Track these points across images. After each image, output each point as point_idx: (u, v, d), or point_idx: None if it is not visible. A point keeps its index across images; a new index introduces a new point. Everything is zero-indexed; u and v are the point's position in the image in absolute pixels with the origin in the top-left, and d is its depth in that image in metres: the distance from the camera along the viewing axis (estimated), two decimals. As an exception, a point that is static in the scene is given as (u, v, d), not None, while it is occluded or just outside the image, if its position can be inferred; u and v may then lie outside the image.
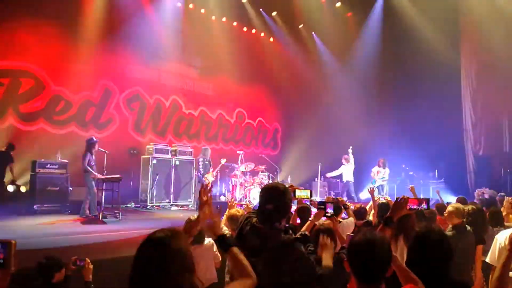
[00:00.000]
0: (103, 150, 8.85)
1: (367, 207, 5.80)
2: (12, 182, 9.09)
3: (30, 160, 9.10)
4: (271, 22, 15.10)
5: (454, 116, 13.40)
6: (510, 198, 5.72)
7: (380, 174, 12.41)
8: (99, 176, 8.59)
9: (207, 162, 10.86)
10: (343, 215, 5.27)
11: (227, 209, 4.48)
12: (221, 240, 2.07)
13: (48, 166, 9.07)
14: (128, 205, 10.60)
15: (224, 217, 4.31)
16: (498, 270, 2.19)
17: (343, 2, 15.08)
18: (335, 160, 13.27)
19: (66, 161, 9.39)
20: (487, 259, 3.41)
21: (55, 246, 5.42)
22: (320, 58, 15.96)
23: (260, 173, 11.69)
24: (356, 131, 14.21)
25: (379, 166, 12.48)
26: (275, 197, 2.61)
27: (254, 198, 10.51)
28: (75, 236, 6.42)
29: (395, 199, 2.97)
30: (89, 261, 3.47)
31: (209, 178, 10.78)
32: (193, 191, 11.51)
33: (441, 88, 13.48)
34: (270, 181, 10.79)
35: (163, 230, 1.78)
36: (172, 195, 11.17)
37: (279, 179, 12.49)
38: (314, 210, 3.92)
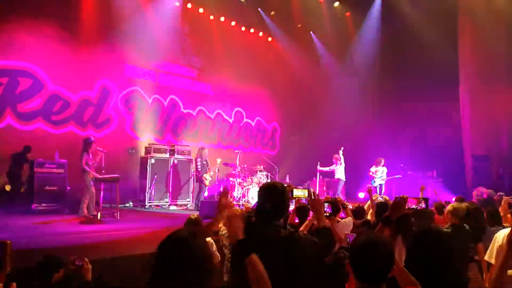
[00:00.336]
0: (100, 149, 8.84)
1: (365, 207, 5.82)
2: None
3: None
4: (269, 21, 15.10)
5: (453, 115, 13.42)
6: (508, 197, 5.74)
7: (378, 173, 12.44)
8: (97, 175, 8.58)
9: (204, 162, 10.86)
10: (342, 214, 5.28)
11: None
12: (242, 245, 2.03)
13: (46, 165, 9.06)
14: (127, 205, 10.61)
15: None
16: (496, 269, 2.20)
17: (342, 1, 15.10)
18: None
19: (64, 160, 9.37)
20: (486, 257, 3.42)
21: (53, 245, 5.42)
22: (319, 57, 15.98)
23: (258, 172, 11.68)
24: (354, 130, 14.24)
25: (376, 165, 12.50)
26: (273, 195, 2.62)
27: (253, 197, 10.51)
28: (73, 236, 6.43)
29: (393, 198, 2.98)
30: (87, 260, 3.47)
31: (208, 178, 10.78)
32: (191, 190, 11.53)
33: (440, 88, 13.51)
34: (269, 181, 10.79)
35: (185, 230, 1.74)
36: (170, 195, 11.17)
37: (277, 178, 12.48)
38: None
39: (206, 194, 11.06)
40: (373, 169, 12.55)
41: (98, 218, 7.92)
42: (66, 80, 10.45)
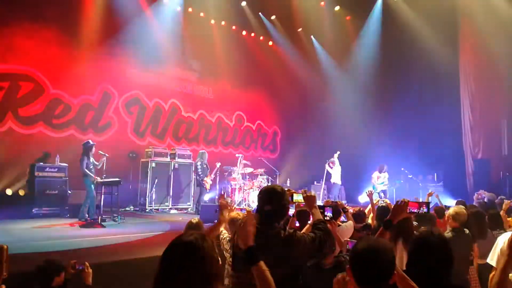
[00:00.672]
0: (102, 153, 8.85)
1: (366, 211, 5.80)
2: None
3: (29, 163, 9.10)
4: (270, 26, 15.14)
5: (453, 119, 13.40)
6: (509, 201, 5.73)
7: (380, 179, 12.43)
8: (98, 179, 8.59)
9: (205, 166, 10.87)
10: (342, 218, 5.26)
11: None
12: (250, 253, 2.00)
13: (47, 169, 9.07)
14: (127, 209, 10.61)
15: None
16: (497, 274, 2.19)
17: (342, 5, 15.12)
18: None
19: (65, 164, 9.39)
20: (488, 260, 3.41)
21: (53, 249, 5.41)
22: (319, 61, 15.99)
23: (259, 176, 11.68)
24: (355, 134, 14.23)
25: (379, 171, 12.51)
26: (273, 198, 2.63)
27: (253, 201, 10.51)
28: (74, 240, 6.42)
29: (394, 202, 2.98)
30: (88, 265, 3.47)
31: (208, 181, 10.79)
32: (192, 194, 11.52)
33: (440, 91, 13.52)
34: (269, 184, 10.78)
35: (193, 234, 1.72)
36: (171, 198, 11.17)
37: (278, 182, 12.48)
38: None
39: (206, 198, 11.06)
40: (375, 175, 12.54)
41: (99, 222, 7.91)
42: (67, 84, 10.48)
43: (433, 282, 2.21)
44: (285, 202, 2.68)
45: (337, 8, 15.16)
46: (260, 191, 2.78)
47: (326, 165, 12.66)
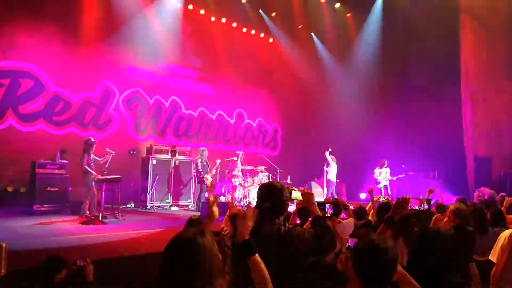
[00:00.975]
0: (110, 150, 8.86)
1: (367, 207, 5.81)
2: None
3: (30, 160, 9.11)
4: (270, 22, 15.12)
5: (454, 116, 13.39)
6: (510, 198, 5.73)
7: (382, 175, 12.50)
8: (99, 176, 8.59)
9: (205, 163, 10.87)
10: (343, 215, 5.27)
11: (228, 209, 4.48)
12: (246, 246, 2.04)
13: (48, 166, 9.08)
14: (128, 206, 10.63)
15: (226, 217, 4.31)
16: (499, 270, 2.20)
17: (343, 2, 15.09)
18: (336, 160, 13.27)
19: (65, 161, 9.40)
20: (490, 257, 3.42)
21: (55, 246, 5.43)
22: (320, 58, 15.98)
23: (259, 173, 11.69)
24: (356, 131, 14.23)
25: (380, 167, 12.58)
26: (272, 195, 2.64)
27: (254, 198, 10.51)
28: (75, 237, 6.43)
29: (395, 199, 2.98)
30: (89, 261, 3.47)
31: (209, 178, 10.80)
32: (193, 191, 11.53)
33: (441, 88, 13.49)
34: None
35: (192, 229, 1.74)
36: (172, 196, 11.19)
37: (278, 179, 12.49)
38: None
39: (207, 194, 11.05)
40: (377, 171, 12.60)
41: (100, 218, 7.93)
42: (67, 81, 10.47)
43: (434, 280, 2.21)
44: (285, 198, 2.68)
45: (337, 5, 15.14)
46: (259, 188, 2.79)
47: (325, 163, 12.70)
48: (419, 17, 13.31)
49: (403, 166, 13.34)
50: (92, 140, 8.77)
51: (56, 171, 9.16)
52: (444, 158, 13.41)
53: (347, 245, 2.74)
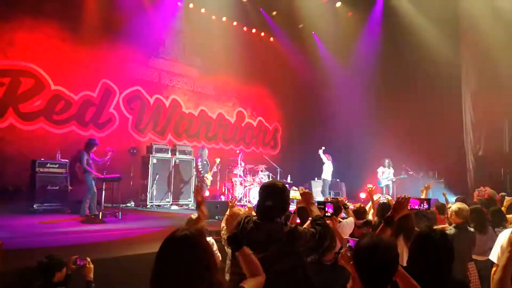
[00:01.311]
0: (110, 150, 8.86)
1: (367, 207, 5.81)
2: None
3: (30, 159, 9.11)
4: (271, 22, 15.10)
5: (454, 116, 13.37)
6: (510, 198, 5.73)
7: (385, 174, 12.49)
8: (99, 175, 8.59)
9: (205, 162, 10.87)
10: (343, 214, 5.27)
11: (228, 208, 4.49)
12: (234, 239, 2.08)
13: (48, 165, 9.08)
14: (128, 205, 10.62)
15: (226, 216, 4.31)
16: (499, 271, 2.19)
17: (344, 2, 15.07)
18: (335, 160, 13.28)
19: (66, 160, 9.40)
20: (490, 257, 3.42)
21: (55, 245, 5.43)
22: (321, 58, 15.95)
23: (260, 172, 11.69)
24: (356, 130, 14.23)
25: (383, 166, 12.56)
26: (274, 194, 2.64)
27: (254, 197, 10.52)
28: (74, 236, 6.44)
29: (395, 198, 2.98)
30: (90, 260, 3.48)
31: (209, 177, 10.80)
32: (193, 190, 11.53)
33: (441, 88, 13.47)
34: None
35: (185, 229, 1.76)
36: (172, 195, 11.18)
37: (279, 178, 12.48)
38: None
39: (207, 194, 11.06)
40: (380, 170, 12.60)
41: (100, 217, 7.93)
42: (68, 80, 10.47)
43: (434, 280, 2.21)
44: (286, 197, 2.69)
45: (338, 4, 15.11)
46: (261, 187, 2.79)
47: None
48: (420, 16, 13.30)
49: (403, 165, 13.34)
50: (96, 141, 8.77)
51: (56, 170, 9.16)
52: (444, 157, 13.40)
53: (348, 245, 2.74)
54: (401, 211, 2.81)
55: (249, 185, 11.01)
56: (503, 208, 5.33)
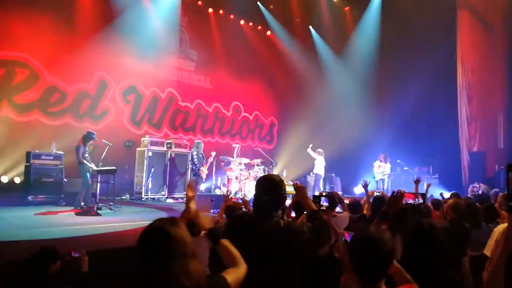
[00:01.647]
0: (107, 142, 8.83)
1: (362, 201, 5.83)
2: None
3: (25, 151, 9.06)
4: (268, 15, 15.04)
5: (450, 112, 13.43)
6: (504, 193, 5.76)
7: (380, 169, 12.51)
8: (94, 168, 8.56)
9: (201, 155, 10.86)
10: (338, 209, 5.29)
11: (223, 202, 4.49)
12: (211, 234, 2.11)
13: (43, 157, 9.04)
14: (123, 197, 10.60)
15: (221, 210, 4.32)
16: (493, 264, 2.21)
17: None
18: (331, 155, 13.31)
19: (61, 152, 9.35)
20: (485, 251, 3.44)
21: (49, 237, 5.41)
22: (317, 52, 15.94)
23: (255, 166, 11.69)
24: (352, 125, 14.25)
25: (380, 160, 12.59)
26: (271, 188, 2.63)
27: (250, 191, 10.52)
28: (69, 228, 6.42)
29: (390, 193, 2.99)
30: (84, 252, 3.47)
31: (205, 171, 10.79)
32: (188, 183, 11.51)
33: (438, 83, 13.52)
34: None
35: (162, 219, 1.85)
36: (167, 188, 11.17)
37: (274, 172, 12.49)
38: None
39: (202, 187, 11.07)
40: (376, 164, 12.62)
41: (95, 210, 7.90)
42: (63, 72, 10.40)
43: (427, 273, 2.21)
44: (283, 191, 2.69)
45: (336, -2, 15.08)
46: (257, 181, 2.78)
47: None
48: (417, 11, 13.28)
49: (398, 161, 13.40)
50: (95, 136, 8.70)
51: (51, 161, 9.12)
52: (439, 153, 13.47)
53: (343, 239, 2.75)
54: (396, 206, 2.82)
55: (244, 179, 11.01)
56: (496, 205, 5.36)
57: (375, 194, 6.01)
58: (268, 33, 15.55)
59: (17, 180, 9.32)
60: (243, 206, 4.44)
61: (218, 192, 11.50)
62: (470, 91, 13.39)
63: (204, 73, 13.98)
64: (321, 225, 2.69)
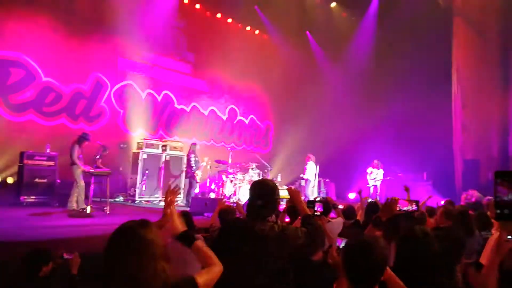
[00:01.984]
0: (101, 144, 8.79)
1: (356, 207, 5.84)
2: None
3: (19, 151, 8.99)
4: (266, 20, 15.08)
5: (444, 118, 13.49)
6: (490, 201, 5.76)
7: (372, 175, 12.53)
8: (88, 169, 8.50)
9: (197, 158, 10.83)
10: (332, 215, 5.29)
11: (217, 205, 4.48)
12: (184, 237, 2.13)
13: (36, 157, 8.95)
14: (117, 199, 10.53)
15: (214, 213, 4.31)
16: (486, 268, 2.21)
17: (338, 2, 15.10)
18: (326, 160, 13.33)
19: (54, 153, 9.27)
20: (480, 259, 3.45)
21: (41, 238, 5.36)
22: (314, 57, 15.99)
23: (250, 170, 11.67)
24: (347, 131, 14.28)
25: (373, 167, 12.61)
26: (265, 193, 2.64)
27: (244, 195, 10.50)
28: (61, 229, 6.36)
29: (384, 200, 2.99)
30: (77, 254, 3.45)
31: (199, 174, 10.77)
32: (183, 186, 11.46)
33: (432, 90, 13.58)
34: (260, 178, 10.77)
35: (134, 221, 1.91)
36: (161, 190, 11.11)
37: (269, 177, 12.48)
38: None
39: (197, 190, 11.03)
40: (369, 170, 12.64)
41: (88, 212, 7.85)
42: (58, 72, 10.36)
43: (420, 280, 2.22)
44: (277, 196, 2.69)
45: (333, 4, 15.14)
46: (251, 185, 2.78)
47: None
48: (413, 18, 13.36)
49: (391, 167, 13.43)
50: (89, 137, 8.62)
51: (45, 162, 9.04)
52: (433, 160, 13.51)
53: (337, 245, 2.75)
54: (389, 212, 2.83)
55: (239, 183, 10.99)
56: (489, 212, 5.38)
57: (369, 200, 6.03)
58: (265, 37, 15.58)
59: (10, 180, 9.24)
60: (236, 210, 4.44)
61: (212, 195, 11.46)
62: (465, 98, 13.47)
63: (201, 76, 13.98)
64: (315, 229, 2.69)
